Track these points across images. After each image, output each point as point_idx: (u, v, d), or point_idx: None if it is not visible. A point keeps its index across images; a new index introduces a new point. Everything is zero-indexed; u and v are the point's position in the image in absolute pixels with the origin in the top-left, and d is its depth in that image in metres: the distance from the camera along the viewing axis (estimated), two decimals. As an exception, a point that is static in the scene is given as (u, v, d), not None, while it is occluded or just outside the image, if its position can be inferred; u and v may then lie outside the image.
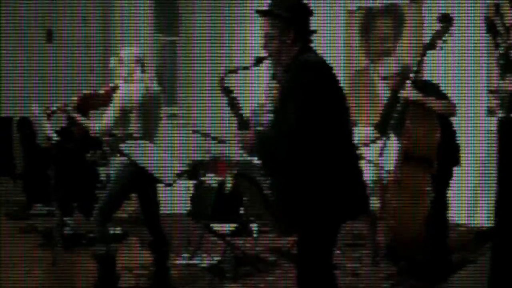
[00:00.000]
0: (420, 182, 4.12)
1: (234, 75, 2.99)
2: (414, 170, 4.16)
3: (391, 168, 4.34)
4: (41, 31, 7.10)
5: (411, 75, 4.23)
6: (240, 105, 2.95)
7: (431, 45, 4.23)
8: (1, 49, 6.84)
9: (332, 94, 2.76)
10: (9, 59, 6.83)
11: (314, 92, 2.67)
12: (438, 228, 4.23)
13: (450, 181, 4.32)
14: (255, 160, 3.21)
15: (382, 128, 4.45)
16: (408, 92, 4.17)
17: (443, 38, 4.19)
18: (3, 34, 6.82)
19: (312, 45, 2.89)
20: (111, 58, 4.15)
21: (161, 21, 8.13)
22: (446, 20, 4.23)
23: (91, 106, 4.17)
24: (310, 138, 2.68)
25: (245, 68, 3.02)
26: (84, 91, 4.26)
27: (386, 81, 4.51)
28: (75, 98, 4.14)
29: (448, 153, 4.23)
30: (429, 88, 4.27)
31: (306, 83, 2.69)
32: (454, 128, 4.32)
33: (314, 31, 2.89)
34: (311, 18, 2.88)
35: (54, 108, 4.23)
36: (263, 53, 2.92)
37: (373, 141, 4.54)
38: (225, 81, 2.95)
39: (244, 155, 5.36)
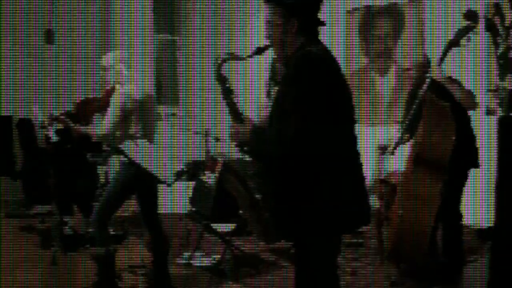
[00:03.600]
0: (430, 186, 4.05)
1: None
2: (424, 174, 4.06)
3: (396, 168, 4.31)
4: (41, 31, 7.11)
5: (430, 71, 4.18)
6: (234, 96, 2.76)
7: (455, 43, 4.13)
8: (1, 49, 6.84)
9: (334, 92, 2.54)
10: (9, 59, 6.83)
11: (314, 89, 2.48)
12: (452, 231, 4.21)
13: (465, 184, 4.28)
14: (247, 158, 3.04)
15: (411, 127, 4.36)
16: (437, 73, 4.06)
17: (467, 36, 4.11)
18: (3, 34, 6.82)
19: (319, 37, 2.67)
20: (98, 71, 4.13)
21: (161, 21, 8.13)
22: (471, 17, 4.13)
23: (90, 112, 4.16)
24: (310, 141, 2.49)
25: (245, 58, 2.83)
26: (81, 98, 4.26)
27: (409, 73, 4.44)
28: (73, 108, 4.15)
29: (464, 156, 4.16)
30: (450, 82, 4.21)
31: (306, 79, 2.49)
32: (472, 130, 4.26)
33: (322, 23, 2.68)
34: (318, 9, 2.67)
35: (54, 116, 4.22)
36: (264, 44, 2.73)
37: (402, 142, 4.43)
38: (222, 70, 2.77)
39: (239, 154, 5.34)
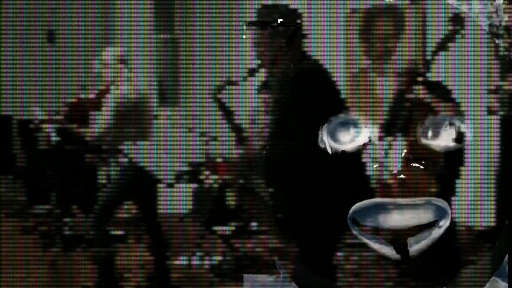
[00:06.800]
0: (423, 184, 4.09)
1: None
2: (417, 172, 4.13)
3: (395, 168, 4.32)
4: (42, 31, 7.10)
5: (419, 76, 4.21)
6: (236, 119, 2.92)
7: (442, 47, 4.14)
8: (1, 49, 6.84)
9: (330, 101, 2.81)
10: (10, 59, 6.83)
11: (312, 101, 2.69)
12: (446, 230, 4.21)
13: (456, 183, 4.29)
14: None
15: (389, 128, 4.41)
16: (415, 90, 4.14)
17: (454, 39, 4.11)
18: (3, 34, 6.82)
19: (307, 50, 2.89)
20: (95, 62, 4.12)
21: (161, 20, 8.12)
22: (457, 20, 4.14)
23: (84, 113, 4.16)
24: (311, 148, 2.62)
25: (239, 81, 2.97)
26: (73, 99, 4.27)
27: (399, 79, 4.48)
28: (67, 108, 4.15)
29: (453, 154, 4.19)
30: (436, 89, 4.24)
31: (302, 94, 2.69)
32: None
33: (305, 36, 2.89)
34: (302, 22, 2.86)
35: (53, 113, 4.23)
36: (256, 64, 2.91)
37: (375, 141, 4.47)
38: (220, 95, 2.92)
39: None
